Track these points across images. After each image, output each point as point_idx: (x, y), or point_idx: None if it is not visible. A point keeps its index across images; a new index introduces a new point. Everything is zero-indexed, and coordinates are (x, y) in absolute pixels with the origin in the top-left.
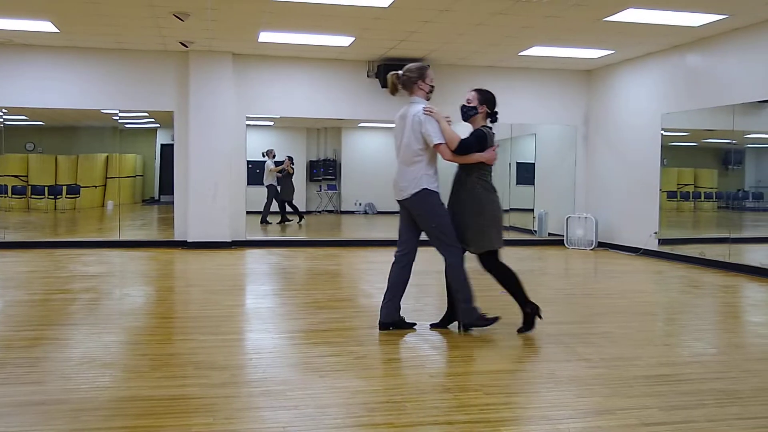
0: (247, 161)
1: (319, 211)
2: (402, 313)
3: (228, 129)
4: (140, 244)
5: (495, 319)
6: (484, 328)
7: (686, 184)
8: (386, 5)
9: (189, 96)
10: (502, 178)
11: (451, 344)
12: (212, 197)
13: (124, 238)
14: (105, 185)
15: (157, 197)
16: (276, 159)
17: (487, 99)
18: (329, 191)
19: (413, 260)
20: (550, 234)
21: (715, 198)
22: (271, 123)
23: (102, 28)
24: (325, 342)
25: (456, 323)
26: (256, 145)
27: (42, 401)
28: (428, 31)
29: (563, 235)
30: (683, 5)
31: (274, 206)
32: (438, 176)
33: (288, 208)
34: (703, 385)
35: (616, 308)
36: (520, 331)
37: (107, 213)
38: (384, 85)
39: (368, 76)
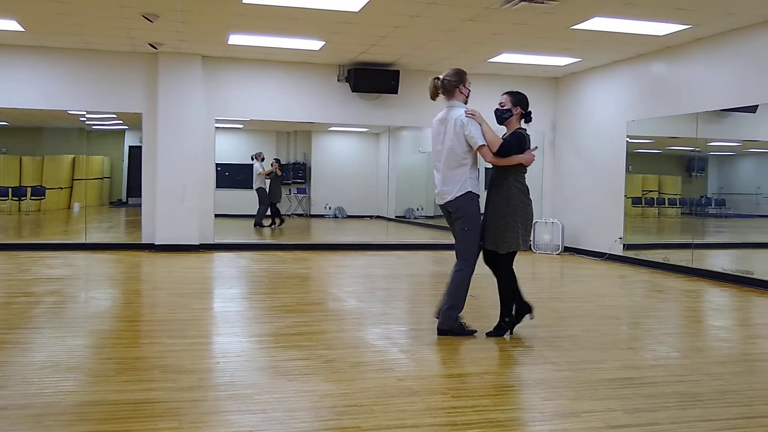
0: (216, 164)
1: (289, 215)
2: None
3: (197, 131)
4: (107, 247)
5: (472, 332)
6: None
7: (651, 191)
8: (357, 10)
9: (158, 98)
10: None
11: (418, 348)
12: (180, 200)
13: (90, 240)
14: (71, 187)
15: (124, 199)
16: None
17: (520, 100)
18: (299, 195)
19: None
20: None
21: (679, 204)
22: (241, 126)
23: (69, 28)
24: (294, 346)
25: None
26: (225, 148)
27: (4, 406)
28: (399, 37)
29: (530, 240)
30: (649, 15)
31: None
32: (479, 180)
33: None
34: (667, 388)
35: (581, 312)
36: (488, 335)
37: (73, 215)
38: (354, 89)
39: (338, 80)
